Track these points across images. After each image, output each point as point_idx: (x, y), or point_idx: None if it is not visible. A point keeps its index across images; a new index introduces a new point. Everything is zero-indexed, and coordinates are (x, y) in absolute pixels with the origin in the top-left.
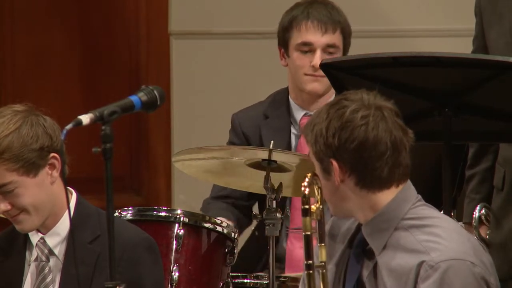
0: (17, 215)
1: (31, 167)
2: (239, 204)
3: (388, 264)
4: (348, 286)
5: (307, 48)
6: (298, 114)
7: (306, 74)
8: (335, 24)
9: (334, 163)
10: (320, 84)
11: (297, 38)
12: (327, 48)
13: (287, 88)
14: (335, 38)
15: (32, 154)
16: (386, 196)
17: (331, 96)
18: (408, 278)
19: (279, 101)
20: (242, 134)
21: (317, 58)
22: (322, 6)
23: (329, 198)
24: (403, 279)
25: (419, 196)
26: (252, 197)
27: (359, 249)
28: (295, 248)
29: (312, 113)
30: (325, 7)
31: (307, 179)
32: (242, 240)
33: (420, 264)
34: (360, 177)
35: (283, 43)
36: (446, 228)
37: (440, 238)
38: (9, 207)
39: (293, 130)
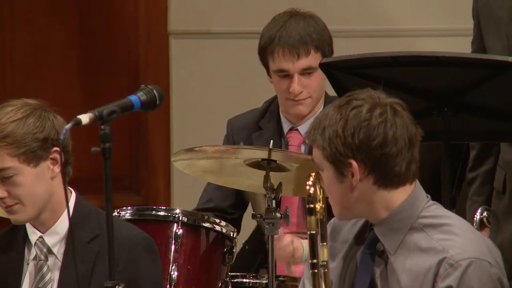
0: (12, 206)
1: (32, 156)
2: (223, 216)
3: (403, 263)
4: (360, 286)
5: (284, 74)
6: (286, 127)
7: (288, 99)
8: (307, 45)
9: (354, 163)
10: (303, 106)
11: (273, 64)
12: (303, 71)
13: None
14: (309, 60)
15: (35, 143)
16: (401, 195)
17: (320, 108)
18: (426, 277)
19: (272, 113)
20: (233, 143)
21: (295, 85)
22: (295, 25)
23: (340, 201)
24: (419, 278)
25: (429, 195)
26: (237, 208)
27: (371, 250)
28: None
29: (298, 127)
30: (298, 25)
31: (311, 178)
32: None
33: (440, 263)
34: (380, 175)
35: (263, 64)
36: (462, 227)
37: (457, 236)
38: (5, 194)
39: (283, 142)
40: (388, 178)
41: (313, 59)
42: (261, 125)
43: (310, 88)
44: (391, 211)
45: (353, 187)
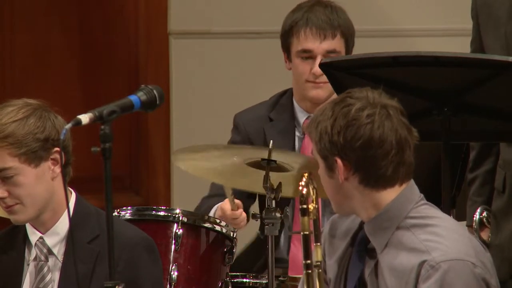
0: (12, 206)
1: (33, 156)
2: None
3: (389, 262)
4: (350, 284)
5: (307, 55)
6: (302, 116)
7: (308, 81)
8: (334, 29)
9: (339, 161)
10: (322, 90)
11: (297, 45)
12: (327, 54)
13: (291, 91)
14: (334, 43)
15: (36, 143)
16: (389, 195)
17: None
18: (409, 277)
19: (284, 105)
20: (246, 135)
21: (318, 65)
22: (322, 10)
23: (332, 196)
24: (404, 278)
25: (422, 196)
26: (250, 196)
27: (361, 247)
28: (299, 251)
29: None
30: (325, 10)
31: (304, 179)
32: (241, 239)
33: (421, 264)
34: (365, 175)
35: (285, 48)
36: (448, 228)
37: (442, 237)
38: (6, 194)
39: (296, 133)
40: (373, 179)
41: (338, 43)
42: (272, 117)
43: None
44: (380, 210)
45: (340, 184)
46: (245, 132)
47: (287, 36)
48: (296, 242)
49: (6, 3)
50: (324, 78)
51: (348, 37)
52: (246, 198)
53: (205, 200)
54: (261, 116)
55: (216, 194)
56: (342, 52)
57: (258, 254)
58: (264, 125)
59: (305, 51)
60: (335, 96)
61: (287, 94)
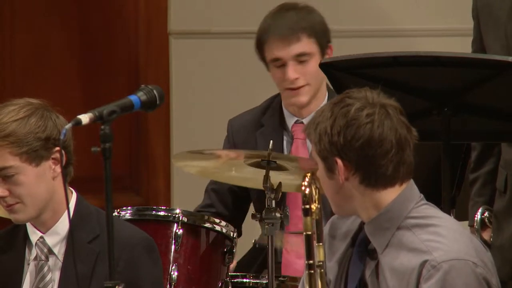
0: (13, 205)
1: (34, 155)
2: (223, 214)
3: (390, 263)
4: (350, 285)
5: (279, 63)
6: (290, 121)
7: (286, 89)
8: (297, 32)
9: (339, 161)
10: (301, 96)
11: (268, 54)
12: (297, 58)
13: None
14: (301, 46)
15: (37, 143)
16: (390, 195)
17: (323, 99)
18: (410, 278)
19: (274, 108)
20: (233, 145)
21: (289, 71)
22: (285, 15)
23: (332, 197)
24: (405, 278)
25: (422, 196)
26: (238, 212)
27: (362, 248)
28: (292, 258)
29: (303, 120)
30: (287, 14)
31: (307, 179)
32: (242, 240)
33: (423, 264)
34: (365, 175)
35: (261, 59)
36: (449, 228)
37: (443, 237)
38: (6, 193)
39: (285, 137)
40: (373, 179)
41: (306, 45)
42: (263, 122)
43: (306, 75)
44: (380, 210)
45: (340, 184)
46: (232, 142)
47: (259, 47)
48: (289, 252)
49: (6, 3)
50: (300, 82)
51: (319, 36)
52: (232, 211)
53: None
54: (252, 122)
55: (204, 206)
56: (314, 53)
57: (251, 261)
58: (255, 131)
59: (275, 59)
60: (318, 98)
61: (278, 98)
